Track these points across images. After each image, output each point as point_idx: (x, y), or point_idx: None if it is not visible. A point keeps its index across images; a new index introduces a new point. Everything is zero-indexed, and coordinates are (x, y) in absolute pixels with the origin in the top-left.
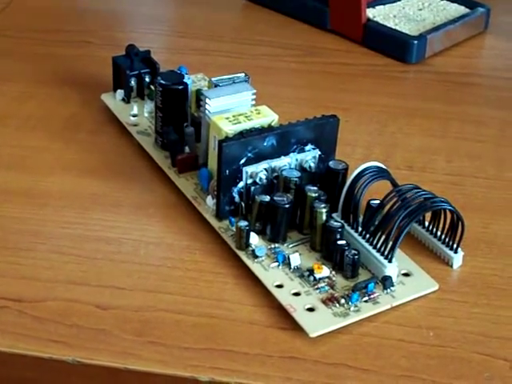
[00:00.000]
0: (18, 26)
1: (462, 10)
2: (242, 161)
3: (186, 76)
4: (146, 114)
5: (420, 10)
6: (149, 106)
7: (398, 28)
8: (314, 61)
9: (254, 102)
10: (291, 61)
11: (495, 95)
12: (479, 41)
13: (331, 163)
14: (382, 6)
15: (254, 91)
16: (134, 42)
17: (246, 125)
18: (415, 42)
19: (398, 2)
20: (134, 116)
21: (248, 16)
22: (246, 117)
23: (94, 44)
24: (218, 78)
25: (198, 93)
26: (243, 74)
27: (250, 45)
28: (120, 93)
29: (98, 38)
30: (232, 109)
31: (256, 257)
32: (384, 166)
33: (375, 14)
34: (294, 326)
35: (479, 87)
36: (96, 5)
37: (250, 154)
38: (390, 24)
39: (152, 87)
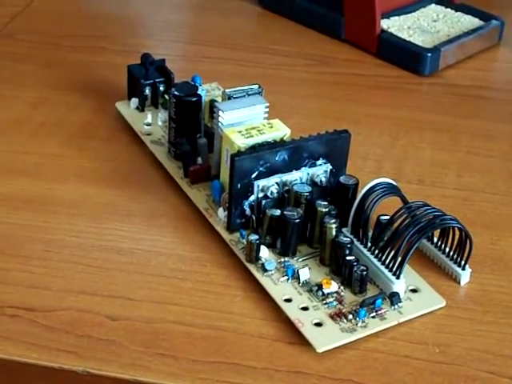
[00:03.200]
0: (33, 31)
1: (476, 22)
2: (254, 175)
3: (200, 87)
4: (159, 123)
5: (434, 21)
6: (163, 115)
7: (411, 39)
8: (327, 71)
9: (266, 115)
10: (304, 70)
11: (507, 109)
12: (493, 53)
13: (342, 178)
14: (396, 17)
15: (267, 104)
16: (149, 49)
17: (258, 139)
18: (429, 54)
19: (413, 13)
20: (148, 125)
21: (263, 24)
22: (259, 130)
23: (110, 50)
24: (232, 89)
25: (212, 103)
26: (257, 86)
27: (265, 53)
28: (134, 101)
29: (113, 43)
30: (245, 121)
31: (265, 270)
32: (394, 182)
33: (390, 24)
34: (302, 341)
35: (491, 101)
36: (112, 10)
37: (261, 168)
38: (404, 35)
39: (166, 96)
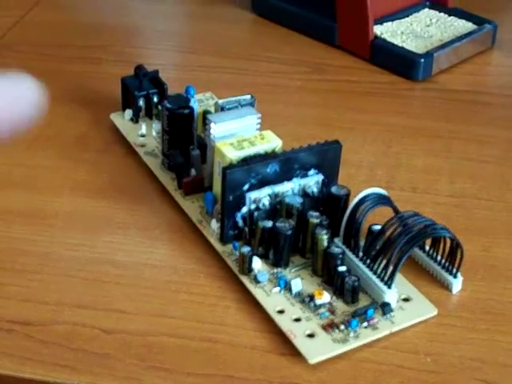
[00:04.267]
0: (28, 42)
1: (469, 26)
2: (246, 187)
3: (192, 99)
4: (154, 134)
5: (428, 26)
6: (157, 126)
7: (405, 45)
8: (320, 78)
9: (259, 126)
10: (298, 78)
11: (500, 114)
12: (486, 57)
13: (333, 189)
14: (390, 23)
15: (259, 115)
16: (144, 59)
17: (249, 150)
18: (422, 59)
19: (406, 18)
20: (142, 136)
21: (257, 31)
22: (250, 142)
23: (105, 60)
24: (225, 100)
25: (205, 114)
26: (249, 96)
27: (259, 61)
28: (129, 113)
29: (108, 54)
30: (237, 133)
31: (258, 282)
32: (385, 192)
33: (383, 30)
34: (294, 352)
35: (484, 105)
36: (107, 20)
37: (253, 180)
38: (398, 41)
39: (160, 108)
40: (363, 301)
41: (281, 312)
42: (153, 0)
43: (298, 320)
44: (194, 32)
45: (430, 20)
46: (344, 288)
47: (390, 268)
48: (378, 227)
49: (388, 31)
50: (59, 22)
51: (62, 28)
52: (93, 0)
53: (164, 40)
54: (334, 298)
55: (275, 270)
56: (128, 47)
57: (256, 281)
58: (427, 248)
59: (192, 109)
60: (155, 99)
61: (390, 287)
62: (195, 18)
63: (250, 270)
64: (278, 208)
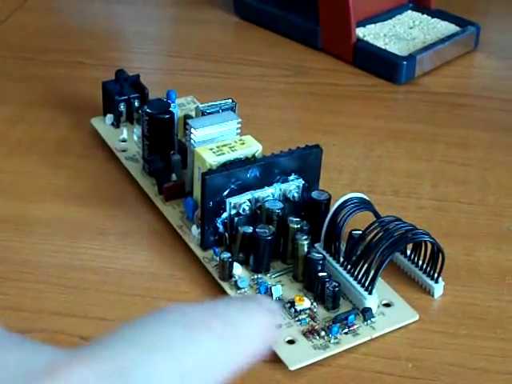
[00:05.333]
0: (9, 46)
1: (452, 28)
2: (226, 192)
3: (173, 104)
4: (135, 139)
5: (411, 28)
6: (138, 131)
7: (387, 47)
8: (303, 81)
9: (239, 131)
10: (281, 81)
11: (483, 116)
12: (469, 59)
13: (314, 194)
14: (372, 25)
15: (239, 120)
16: (126, 63)
17: (229, 156)
18: (404, 62)
19: (389, 21)
20: (123, 141)
21: (240, 34)
22: (230, 147)
23: (87, 64)
24: (205, 104)
25: (186, 117)
26: (230, 100)
27: (241, 64)
28: (110, 117)
29: (90, 58)
30: (217, 138)
31: (239, 288)
32: (366, 197)
33: (366, 33)
34: (275, 359)
35: (467, 108)
36: (89, 24)
37: (233, 186)
38: (380, 43)
39: (141, 112)
40: (344, 306)
41: None
42: (135, 3)
43: (278, 326)
44: (176, 35)
45: (413, 22)
46: (325, 294)
47: (371, 273)
48: (359, 232)
49: (371, 33)
50: (41, 26)
51: (44, 32)
52: (74, 4)
53: (146, 43)
54: (315, 303)
55: (256, 276)
56: (110, 51)
57: (237, 287)
58: (408, 253)
59: (172, 113)
60: (136, 104)
61: (370, 293)
62: (177, 22)
63: (231, 275)
64: (258, 213)
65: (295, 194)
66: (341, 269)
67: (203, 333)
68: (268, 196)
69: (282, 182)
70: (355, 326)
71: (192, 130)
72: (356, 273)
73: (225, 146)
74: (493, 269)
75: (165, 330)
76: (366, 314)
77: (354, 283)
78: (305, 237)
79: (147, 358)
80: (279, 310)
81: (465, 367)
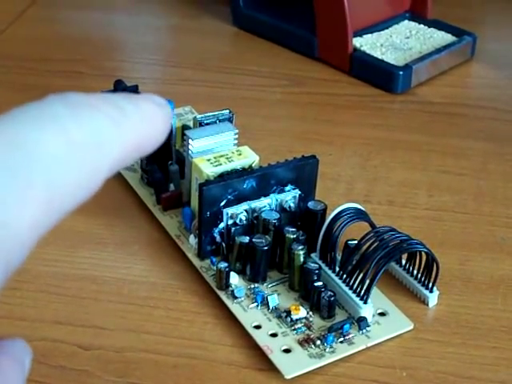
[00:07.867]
0: (9, 56)
1: (449, 38)
2: (223, 203)
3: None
4: None
5: (407, 38)
6: None
7: (384, 57)
8: (300, 91)
9: (236, 142)
10: (278, 91)
11: (478, 126)
12: (465, 69)
13: (310, 204)
14: (369, 35)
15: (237, 131)
16: (125, 73)
17: (226, 166)
18: (400, 72)
19: (386, 30)
20: None
21: (237, 44)
22: (227, 158)
23: (85, 74)
24: (203, 115)
25: (184, 128)
26: (228, 111)
27: (239, 74)
28: None
29: (89, 67)
30: (214, 149)
31: (235, 297)
32: (362, 207)
33: (362, 42)
34: (271, 367)
35: (463, 117)
36: (89, 33)
37: (230, 196)
38: (377, 53)
39: None
40: (340, 316)
41: (258, 327)
42: (133, 14)
43: (274, 335)
44: (174, 45)
45: (410, 32)
46: (320, 303)
47: (367, 283)
48: (355, 242)
49: (367, 43)
50: (40, 36)
51: (43, 42)
52: (74, 13)
53: (145, 53)
54: (311, 313)
55: (252, 286)
56: (109, 61)
57: (233, 296)
58: (404, 262)
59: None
60: None
61: (366, 302)
62: (176, 32)
63: (228, 285)
64: (255, 223)
65: (291, 205)
66: (336, 278)
67: (91, 111)
68: (265, 206)
69: (279, 193)
70: (350, 335)
71: (190, 141)
72: (351, 282)
73: (222, 156)
74: (487, 278)
75: (53, 109)
76: (362, 323)
77: (350, 292)
78: (301, 247)
79: (36, 128)
80: (168, 105)
81: (459, 376)
